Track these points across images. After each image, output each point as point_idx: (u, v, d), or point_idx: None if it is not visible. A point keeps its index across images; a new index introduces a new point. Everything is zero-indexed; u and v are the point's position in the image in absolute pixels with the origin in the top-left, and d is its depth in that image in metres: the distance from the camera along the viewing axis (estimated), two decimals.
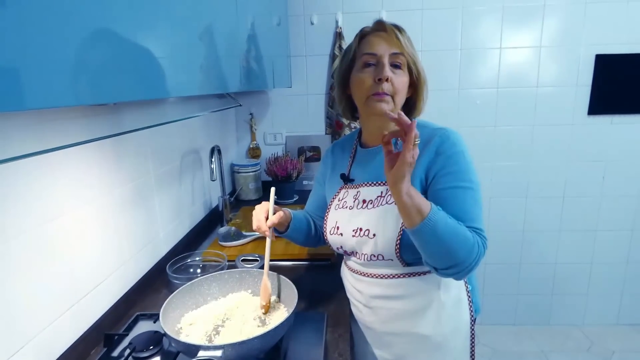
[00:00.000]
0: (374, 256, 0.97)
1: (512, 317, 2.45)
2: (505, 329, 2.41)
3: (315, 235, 1.18)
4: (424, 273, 0.96)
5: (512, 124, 2.19)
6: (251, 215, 1.02)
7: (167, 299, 0.93)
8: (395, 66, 0.95)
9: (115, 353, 0.96)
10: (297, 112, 2.27)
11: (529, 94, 2.14)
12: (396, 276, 0.98)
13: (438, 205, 0.85)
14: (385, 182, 0.93)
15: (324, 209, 1.15)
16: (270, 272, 1.04)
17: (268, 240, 1.00)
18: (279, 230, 1.08)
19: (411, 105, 1.02)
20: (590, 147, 2.18)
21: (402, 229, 0.91)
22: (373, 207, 0.96)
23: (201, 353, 0.75)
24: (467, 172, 0.90)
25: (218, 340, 0.87)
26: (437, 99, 2.13)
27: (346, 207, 1.02)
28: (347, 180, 1.05)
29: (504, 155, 2.23)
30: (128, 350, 0.92)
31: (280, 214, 1.01)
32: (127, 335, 1.01)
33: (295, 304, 0.89)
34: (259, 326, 0.93)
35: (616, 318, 2.39)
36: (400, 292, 0.98)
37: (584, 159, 2.20)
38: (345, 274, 1.13)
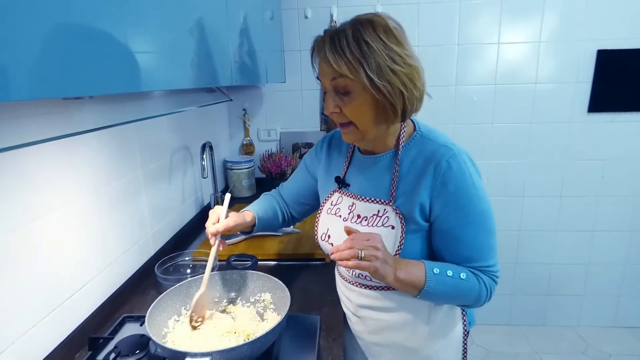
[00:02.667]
0: (362, 275, 0.94)
1: (506, 318, 2.43)
2: (499, 329, 2.40)
3: (283, 223, 1.17)
4: None
5: (509, 121, 2.16)
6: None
7: (154, 302, 0.89)
8: (341, 92, 0.82)
9: (100, 357, 0.93)
10: (292, 107, 2.23)
11: (527, 91, 2.11)
12: (384, 288, 0.94)
13: (450, 245, 0.85)
14: (383, 200, 0.90)
15: (300, 195, 1.15)
16: (260, 273, 1.01)
17: (213, 248, 0.94)
18: (245, 232, 1.07)
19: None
20: (590, 146, 2.16)
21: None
22: (367, 225, 0.91)
23: None
24: (478, 202, 0.83)
25: (207, 346, 0.83)
26: (433, 95, 2.07)
27: (339, 215, 0.97)
28: (342, 184, 0.99)
29: (500, 153, 2.20)
30: (113, 355, 0.88)
31: (229, 222, 0.96)
32: (113, 338, 0.97)
33: (287, 309, 0.85)
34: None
35: (613, 320, 2.38)
36: (387, 304, 0.95)
37: (583, 158, 2.17)
38: (337, 279, 1.10)
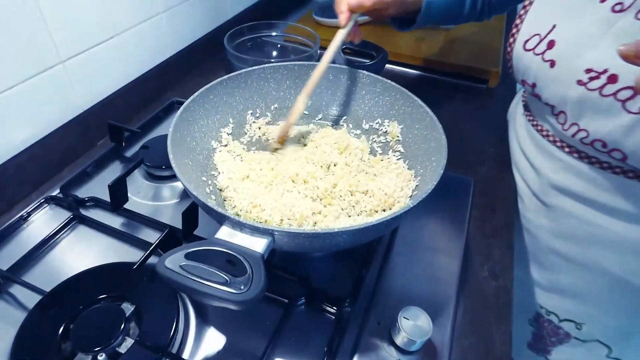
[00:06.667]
0: (603, 143, 0.43)
1: None
2: None
3: (471, 12, 0.62)
4: None
5: None
6: None
7: (198, 92, 0.49)
8: None
9: (129, 153, 0.62)
10: None
11: None
12: (628, 173, 0.45)
13: None
14: None
15: None
16: (390, 82, 0.54)
17: (340, 33, 0.52)
18: (400, 25, 0.60)
19: None
20: None
21: None
22: None
23: (222, 233, 0.34)
24: None
25: (267, 213, 0.43)
26: None
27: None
28: None
29: None
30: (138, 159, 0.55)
31: None
32: (144, 135, 0.65)
33: (442, 169, 0.40)
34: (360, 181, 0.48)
35: None
36: (626, 206, 0.47)
37: None
38: (518, 123, 0.61)
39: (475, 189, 0.58)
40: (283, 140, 0.53)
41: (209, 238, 0.34)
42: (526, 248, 0.62)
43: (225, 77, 0.52)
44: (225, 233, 0.34)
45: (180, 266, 0.30)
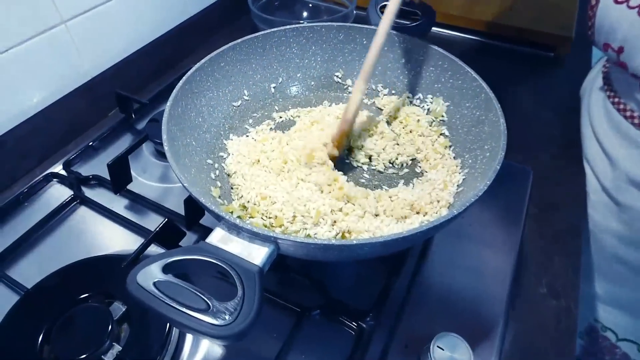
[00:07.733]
0: None
1: None
2: None
3: None
4: None
5: None
6: None
7: (201, 61, 0.42)
8: None
9: (140, 125, 0.56)
10: None
11: None
12: None
13: None
14: None
15: None
16: (437, 48, 0.44)
17: None
18: None
19: None
20: None
21: None
22: None
23: (215, 236, 0.27)
24: None
25: (277, 208, 0.36)
26: None
27: None
28: None
29: None
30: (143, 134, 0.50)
31: None
32: (156, 106, 0.59)
33: (497, 168, 0.31)
34: (394, 176, 0.40)
35: None
36: None
37: None
38: (594, 100, 0.50)
39: (534, 181, 0.48)
40: (339, 146, 0.40)
41: (199, 243, 0.28)
42: (589, 252, 0.52)
43: (239, 40, 0.45)
44: (218, 237, 0.28)
45: (154, 283, 0.24)
